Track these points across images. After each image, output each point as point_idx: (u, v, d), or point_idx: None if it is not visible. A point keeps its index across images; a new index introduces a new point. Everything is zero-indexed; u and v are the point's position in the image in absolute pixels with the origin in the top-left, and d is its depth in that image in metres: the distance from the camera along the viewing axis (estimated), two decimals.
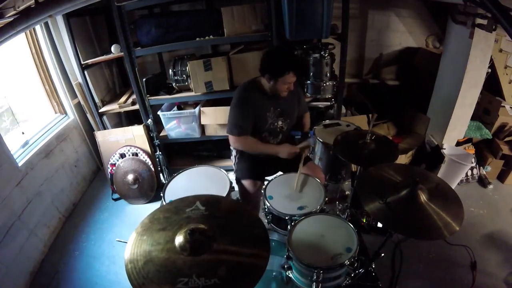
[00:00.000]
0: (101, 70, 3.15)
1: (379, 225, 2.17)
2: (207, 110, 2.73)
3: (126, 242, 1.09)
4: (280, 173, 1.96)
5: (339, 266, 1.32)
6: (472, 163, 2.58)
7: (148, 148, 2.85)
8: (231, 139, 1.88)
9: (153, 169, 2.81)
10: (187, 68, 2.54)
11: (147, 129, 2.82)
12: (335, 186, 2.42)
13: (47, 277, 2.19)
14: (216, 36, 2.51)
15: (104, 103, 3.03)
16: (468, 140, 2.85)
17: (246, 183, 1.89)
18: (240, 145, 1.89)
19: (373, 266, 1.69)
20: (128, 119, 3.47)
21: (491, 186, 2.69)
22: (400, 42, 3.28)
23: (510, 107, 2.78)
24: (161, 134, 2.95)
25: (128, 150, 2.83)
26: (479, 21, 2.14)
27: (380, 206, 1.31)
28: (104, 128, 2.96)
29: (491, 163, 2.73)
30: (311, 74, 2.54)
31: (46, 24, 2.63)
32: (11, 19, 1.68)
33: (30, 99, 2.74)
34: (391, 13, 3.14)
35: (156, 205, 2.78)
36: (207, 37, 2.49)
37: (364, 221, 2.20)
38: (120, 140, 2.84)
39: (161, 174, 3.02)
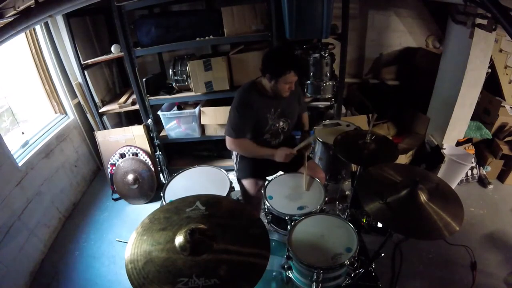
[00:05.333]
0: (101, 70, 3.15)
1: (379, 225, 2.17)
2: (207, 110, 2.73)
3: (126, 242, 1.09)
4: (280, 173, 1.96)
5: (339, 266, 1.32)
6: (472, 163, 2.58)
7: (148, 148, 2.85)
8: (228, 140, 1.87)
9: (153, 169, 2.81)
10: (187, 68, 2.54)
11: (147, 129, 2.82)
12: (335, 186, 2.42)
13: (47, 277, 2.19)
14: (216, 36, 2.51)
15: (104, 103, 3.03)
16: (468, 140, 2.85)
17: (248, 182, 1.89)
18: (236, 147, 1.88)
19: (373, 266, 1.69)
20: (128, 119, 3.47)
21: (491, 186, 2.69)
22: (400, 42, 3.28)
23: (510, 107, 2.78)
24: (161, 134, 2.95)
25: (128, 150, 2.83)
26: (479, 21, 2.14)
27: (380, 206, 1.31)
28: (104, 128, 2.96)
29: (491, 163, 2.73)
30: (311, 74, 2.54)
31: (46, 24, 2.63)
32: (11, 19, 1.68)
33: (30, 99, 2.74)
34: (391, 13, 3.14)
35: (156, 205, 2.78)
36: (207, 37, 2.49)
37: (364, 221, 2.20)
38: (120, 140, 2.84)
39: (161, 174, 3.02)
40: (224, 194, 1.70)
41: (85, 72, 2.74)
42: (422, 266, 2.04)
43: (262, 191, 1.74)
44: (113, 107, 2.91)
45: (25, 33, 2.52)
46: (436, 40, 3.20)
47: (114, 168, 2.80)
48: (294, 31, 2.21)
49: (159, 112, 2.79)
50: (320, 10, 2.10)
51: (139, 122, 2.88)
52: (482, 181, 2.74)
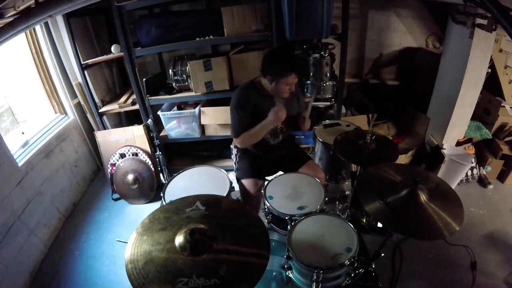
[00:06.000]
0: (101, 70, 3.15)
1: (379, 225, 2.17)
2: (207, 110, 2.73)
3: (126, 242, 1.09)
4: (280, 173, 1.96)
5: (339, 266, 1.32)
6: (472, 163, 2.58)
7: (148, 148, 2.85)
8: (236, 141, 1.91)
9: (153, 169, 2.81)
10: (187, 68, 2.54)
11: (147, 129, 2.82)
12: (335, 186, 2.42)
13: (47, 277, 2.19)
14: (216, 36, 2.51)
15: (104, 103, 3.02)
16: (468, 140, 2.85)
17: (247, 182, 1.89)
18: (243, 143, 1.92)
19: (373, 266, 1.69)
20: (128, 119, 3.47)
21: (491, 186, 2.69)
22: (400, 42, 3.27)
23: (510, 107, 2.78)
24: (161, 134, 2.94)
25: (128, 150, 2.83)
26: (479, 21, 2.14)
27: (380, 206, 1.31)
28: (104, 128, 2.96)
29: (491, 163, 2.73)
30: (311, 74, 2.54)
31: (46, 24, 2.63)
32: (11, 19, 1.67)
33: (30, 99, 2.74)
34: (391, 13, 3.14)
35: (156, 205, 2.78)
36: (207, 37, 2.49)
37: (364, 221, 2.19)
38: (120, 140, 2.84)
39: (161, 174, 3.02)
40: (224, 194, 1.70)
41: (85, 72, 2.74)
42: (422, 266, 2.04)
43: (262, 191, 1.75)
44: (113, 107, 2.91)
45: (25, 33, 2.52)
46: (436, 40, 3.20)
47: (114, 168, 2.80)
48: (294, 31, 2.21)
49: (159, 112, 2.79)
50: (320, 10, 2.10)
51: (139, 122, 2.88)
52: (482, 181, 2.74)
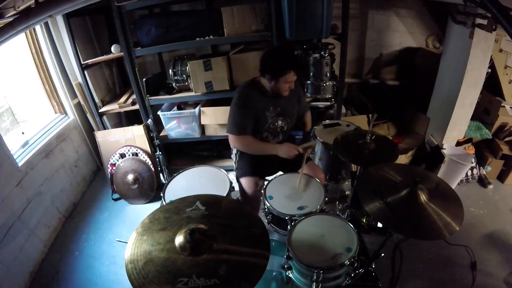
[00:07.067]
0: (101, 70, 3.15)
1: (379, 225, 2.17)
2: (207, 110, 2.73)
3: (126, 242, 1.09)
4: (280, 173, 1.96)
5: (339, 266, 1.32)
6: (472, 163, 2.58)
7: (148, 148, 2.85)
8: (231, 138, 1.87)
9: (153, 169, 2.81)
10: (187, 68, 2.55)
11: (147, 129, 2.82)
12: (335, 186, 2.42)
13: (47, 277, 2.19)
14: (216, 36, 2.51)
15: (104, 103, 3.03)
16: (468, 140, 2.85)
17: (246, 180, 1.89)
18: (239, 144, 1.88)
19: (373, 266, 1.69)
20: (128, 119, 3.47)
21: (491, 186, 2.69)
22: (400, 42, 3.28)
23: (510, 107, 2.78)
24: (161, 134, 2.95)
25: (128, 150, 2.83)
26: (479, 21, 2.14)
27: (380, 206, 1.31)
28: (104, 128, 2.96)
29: (491, 163, 2.73)
30: (311, 74, 2.54)
31: (46, 24, 2.63)
32: (11, 19, 1.68)
33: (30, 99, 2.74)
34: (391, 13, 3.14)
35: (156, 205, 2.78)
36: (207, 37, 2.49)
37: (364, 221, 2.20)
38: (120, 140, 2.84)
39: (161, 174, 3.02)
40: (224, 194, 1.70)
41: (85, 72, 2.74)
42: (422, 266, 2.04)
43: (262, 191, 1.74)
44: (113, 107, 2.91)
45: (25, 33, 2.52)
46: (436, 40, 3.20)
47: (114, 168, 2.80)
48: (294, 31, 2.21)
49: (159, 112, 2.79)
50: (320, 10, 2.10)
51: (139, 122, 2.88)
52: (482, 181, 2.74)
